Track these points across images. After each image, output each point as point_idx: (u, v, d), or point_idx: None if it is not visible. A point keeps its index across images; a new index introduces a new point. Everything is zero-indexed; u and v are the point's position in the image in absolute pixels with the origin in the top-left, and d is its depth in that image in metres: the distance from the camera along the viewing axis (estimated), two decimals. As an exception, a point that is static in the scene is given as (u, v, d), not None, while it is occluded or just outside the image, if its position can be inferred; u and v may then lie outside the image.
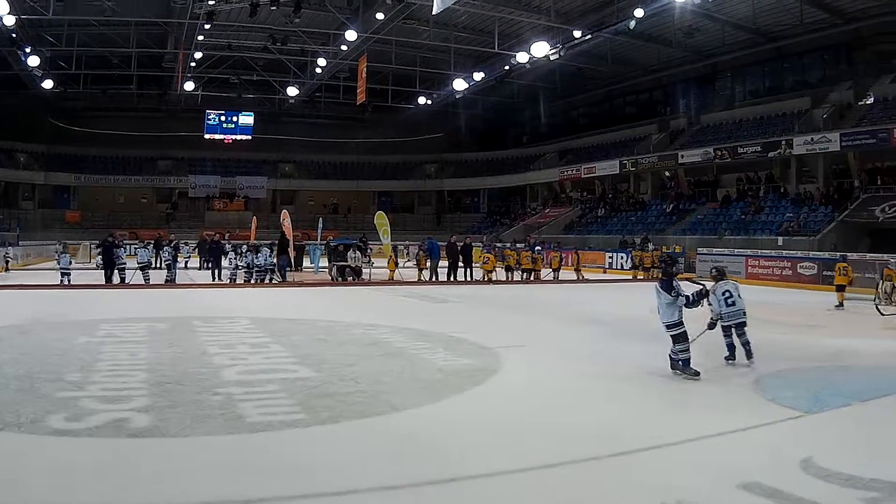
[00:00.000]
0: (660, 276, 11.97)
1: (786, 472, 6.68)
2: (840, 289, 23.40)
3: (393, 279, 31.15)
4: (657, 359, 11.97)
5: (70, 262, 27.42)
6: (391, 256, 32.59)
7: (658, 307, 11.26)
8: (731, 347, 12.36)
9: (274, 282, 28.68)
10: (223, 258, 30.36)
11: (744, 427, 8.29)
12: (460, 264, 32.06)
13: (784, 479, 6.41)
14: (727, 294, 12.38)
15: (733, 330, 12.32)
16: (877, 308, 12.86)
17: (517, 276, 32.68)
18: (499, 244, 41.62)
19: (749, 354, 12.16)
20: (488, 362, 11.94)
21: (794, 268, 31.61)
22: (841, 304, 22.95)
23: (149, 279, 27.40)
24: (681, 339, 10.90)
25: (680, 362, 10.98)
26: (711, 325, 12.10)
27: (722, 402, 9.69)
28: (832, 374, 11.56)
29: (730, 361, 12.22)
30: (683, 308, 10.95)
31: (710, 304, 11.77)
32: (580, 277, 34.42)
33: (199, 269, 34.15)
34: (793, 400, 9.59)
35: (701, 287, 11.44)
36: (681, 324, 10.93)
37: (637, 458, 7.20)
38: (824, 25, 41.54)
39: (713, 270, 13.17)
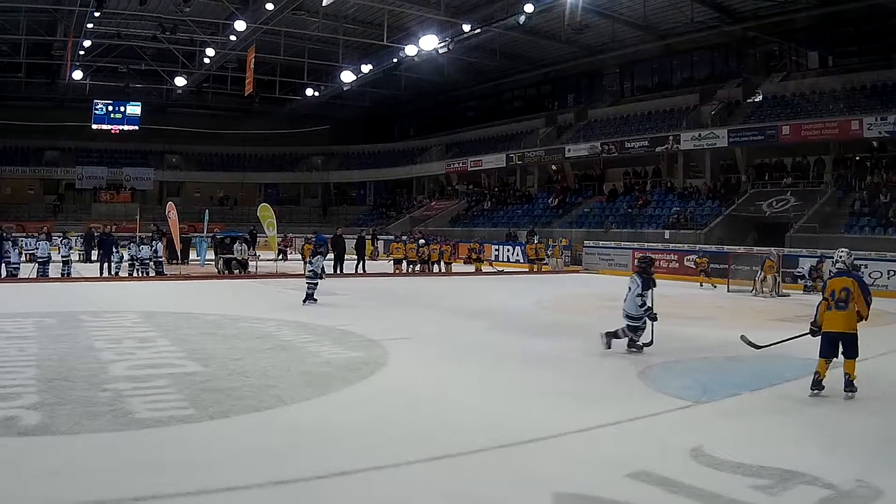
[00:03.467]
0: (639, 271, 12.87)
1: (675, 460, 6.83)
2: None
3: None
4: (543, 351, 12.38)
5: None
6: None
7: (627, 296, 12.54)
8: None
9: (151, 275, 28.45)
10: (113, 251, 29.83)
11: (632, 417, 8.46)
12: (350, 257, 32.21)
13: (673, 468, 6.56)
14: None
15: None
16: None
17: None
18: (387, 237, 41.88)
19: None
20: (376, 355, 12.06)
21: (681, 261, 32.39)
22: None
23: (47, 272, 27.11)
24: (636, 330, 12.34)
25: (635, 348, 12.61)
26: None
27: (610, 393, 9.82)
28: (720, 365, 11.93)
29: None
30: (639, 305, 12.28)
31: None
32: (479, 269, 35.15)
33: (84, 261, 33.55)
34: (681, 390, 9.86)
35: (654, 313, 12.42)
36: (640, 318, 12.28)
37: (525, 450, 7.28)
38: (714, 24, 42.35)
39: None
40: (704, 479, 6.33)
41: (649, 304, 12.30)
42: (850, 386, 9.44)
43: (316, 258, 19.94)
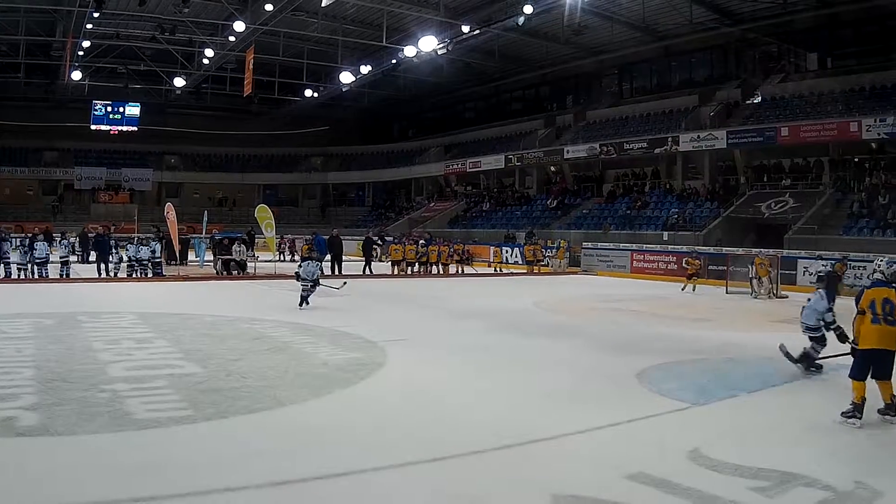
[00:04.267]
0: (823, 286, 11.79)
1: (673, 462, 6.83)
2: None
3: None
4: (541, 351, 12.36)
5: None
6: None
7: (806, 308, 11.29)
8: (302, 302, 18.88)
9: (149, 276, 28.40)
10: (110, 252, 29.73)
11: (630, 419, 8.43)
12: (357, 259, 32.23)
13: (672, 470, 6.55)
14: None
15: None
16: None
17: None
18: (387, 238, 41.84)
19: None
20: (373, 356, 12.04)
21: (680, 262, 32.24)
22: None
23: (47, 273, 27.03)
24: (819, 340, 11.03)
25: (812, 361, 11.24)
26: None
27: (608, 394, 9.79)
28: (718, 367, 11.83)
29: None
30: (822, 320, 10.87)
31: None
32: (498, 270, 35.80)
33: (83, 262, 33.49)
34: (679, 392, 9.83)
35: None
36: (818, 329, 10.98)
37: (523, 451, 7.26)
38: (713, 25, 42.40)
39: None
40: (703, 480, 6.33)
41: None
42: (892, 409, 8.36)
43: (304, 264, 19.86)
